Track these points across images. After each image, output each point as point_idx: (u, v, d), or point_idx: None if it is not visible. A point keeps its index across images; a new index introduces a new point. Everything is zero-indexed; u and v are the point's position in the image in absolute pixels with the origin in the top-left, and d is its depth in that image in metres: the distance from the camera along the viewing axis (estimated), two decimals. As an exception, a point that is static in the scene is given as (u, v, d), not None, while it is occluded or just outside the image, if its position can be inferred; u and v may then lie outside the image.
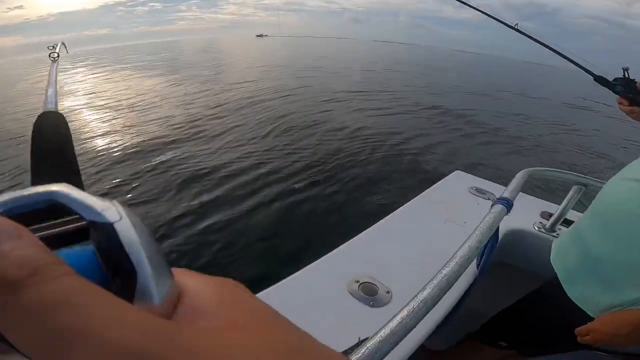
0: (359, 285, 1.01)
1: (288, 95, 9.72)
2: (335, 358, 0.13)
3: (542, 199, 1.60)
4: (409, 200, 1.51)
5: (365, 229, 1.29)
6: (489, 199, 1.55)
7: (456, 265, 0.62)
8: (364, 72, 18.13)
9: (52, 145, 0.28)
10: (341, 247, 1.19)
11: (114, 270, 0.12)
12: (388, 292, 1.00)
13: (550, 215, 1.40)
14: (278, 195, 4.06)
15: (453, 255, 0.65)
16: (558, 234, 1.34)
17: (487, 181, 1.73)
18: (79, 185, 0.22)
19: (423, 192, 1.59)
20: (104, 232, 0.12)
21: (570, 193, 1.25)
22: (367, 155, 5.38)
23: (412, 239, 1.26)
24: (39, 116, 0.30)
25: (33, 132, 0.29)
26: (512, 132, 7.74)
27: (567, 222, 1.37)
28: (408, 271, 1.10)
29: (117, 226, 0.12)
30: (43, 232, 0.13)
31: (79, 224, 0.13)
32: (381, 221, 1.35)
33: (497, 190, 1.63)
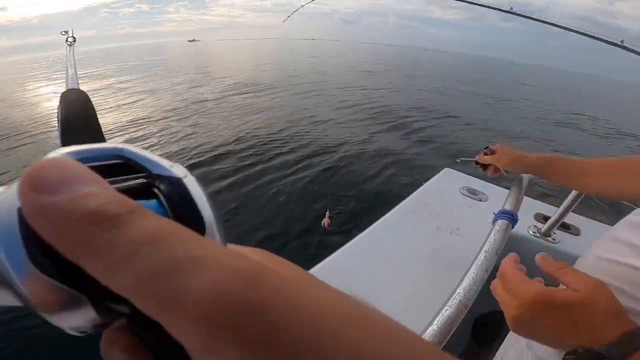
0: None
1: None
2: (400, 328, 0.12)
3: (531, 197, 1.50)
4: (398, 204, 1.42)
5: (351, 239, 1.20)
6: (481, 200, 1.49)
7: (460, 305, 0.51)
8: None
9: (80, 120, 0.29)
10: (325, 261, 1.10)
11: (181, 222, 0.12)
12: None
13: (545, 217, 1.33)
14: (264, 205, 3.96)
15: (454, 292, 0.53)
16: (554, 239, 1.27)
17: (477, 180, 1.65)
18: None
19: (412, 194, 1.50)
20: (172, 186, 0.13)
21: (570, 197, 1.16)
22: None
23: (402, 251, 1.17)
24: (63, 94, 0.32)
25: (59, 109, 0.30)
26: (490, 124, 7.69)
27: (564, 226, 1.31)
28: (399, 288, 1.01)
29: (185, 180, 0.13)
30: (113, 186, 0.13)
31: (142, 181, 0.13)
32: (368, 230, 1.26)
33: (489, 189, 1.57)
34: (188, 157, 5.27)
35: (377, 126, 7.44)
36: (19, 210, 0.10)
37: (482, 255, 0.61)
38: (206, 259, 0.10)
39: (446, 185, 1.61)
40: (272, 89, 11.80)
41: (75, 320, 0.11)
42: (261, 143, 5.88)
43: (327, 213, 3.34)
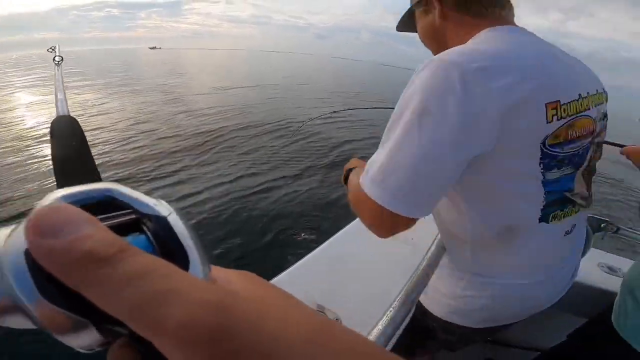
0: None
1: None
2: (359, 339, 0.14)
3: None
4: (355, 219, 1.45)
5: (308, 253, 1.22)
6: None
7: (402, 305, 0.56)
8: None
9: (71, 149, 0.29)
10: (285, 272, 1.12)
11: (166, 257, 0.14)
12: (337, 319, 0.94)
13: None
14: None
15: (399, 294, 0.58)
16: None
17: None
18: None
19: None
20: (158, 224, 0.15)
21: None
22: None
23: (360, 261, 1.21)
24: (54, 121, 0.32)
25: (51, 137, 0.30)
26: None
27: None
28: (357, 295, 1.05)
29: (170, 219, 0.15)
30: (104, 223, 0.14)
31: (131, 217, 0.15)
32: (326, 243, 1.29)
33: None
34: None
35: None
36: (26, 251, 0.12)
37: (425, 262, 0.68)
38: (182, 291, 0.12)
39: None
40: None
41: (82, 341, 0.13)
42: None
43: None
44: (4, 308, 0.13)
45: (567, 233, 0.68)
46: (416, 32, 0.78)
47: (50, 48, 0.57)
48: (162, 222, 0.15)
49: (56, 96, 0.40)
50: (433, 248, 0.77)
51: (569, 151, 0.59)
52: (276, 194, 4.61)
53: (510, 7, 0.67)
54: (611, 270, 1.32)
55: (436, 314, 0.84)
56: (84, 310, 0.12)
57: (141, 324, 0.11)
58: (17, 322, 0.13)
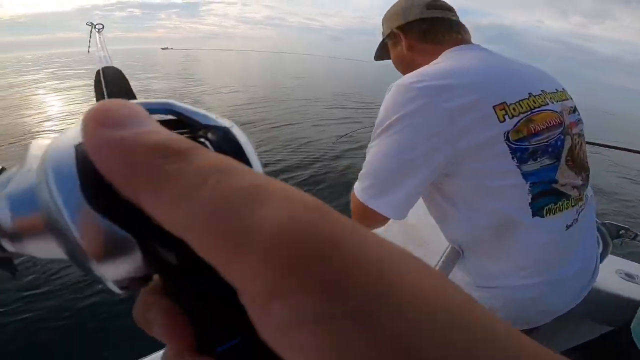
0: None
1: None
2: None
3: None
4: None
5: None
6: None
7: None
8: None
9: (122, 91, 0.30)
10: None
11: None
12: None
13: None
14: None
15: None
16: None
17: None
18: None
19: None
20: (221, 135, 0.14)
21: None
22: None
23: None
24: (101, 70, 0.32)
25: (101, 83, 0.31)
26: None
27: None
28: None
29: (233, 130, 0.14)
30: None
31: (191, 134, 0.14)
32: None
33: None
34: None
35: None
36: (77, 148, 0.11)
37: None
38: (272, 187, 0.09)
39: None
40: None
41: (118, 270, 0.11)
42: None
43: None
44: (32, 227, 0.11)
45: (568, 227, 0.70)
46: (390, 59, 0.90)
47: (90, 22, 0.65)
48: (224, 133, 0.13)
49: (100, 54, 0.42)
50: (448, 251, 0.78)
51: (537, 143, 0.64)
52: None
53: (465, 30, 0.78)
54: (629, 277, 1.29)
55: None
56: (131, 227, 0.10)
57: (214, 234, 0.09)
58: (44, 247, 0.11)
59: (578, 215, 0.72)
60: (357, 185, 0.69)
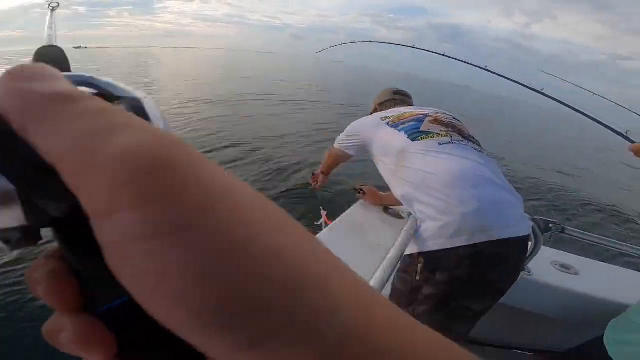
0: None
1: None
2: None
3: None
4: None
5: None
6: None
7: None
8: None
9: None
10: None
11: None
12: None
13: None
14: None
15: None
16: (530, 272, 1.37)
17: None
18: None
19: (337, 219, 1.45)
20: (132, 106, 0.14)
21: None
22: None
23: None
24: (39, 49, 0.30)
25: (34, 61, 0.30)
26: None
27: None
28: None
29: (145, 101, 0.14)
30: None
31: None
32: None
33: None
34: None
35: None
36: None
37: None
38: (135, 122, 0.11)
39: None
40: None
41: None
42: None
43: (325, 212, 2.65)
44: None
45: (440, 143, 1.08)
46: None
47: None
48: (135, 104, 0.14)
49: (46, 32, 0.41)
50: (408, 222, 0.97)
51: (404, 121, 1.19)
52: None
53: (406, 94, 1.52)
54: (564, 267, 1.44)
55: (420, 250, 1.04)
56: (14, 177, 0.11)
57: (74, 156, 0.10)
58: None
59: (452, 139, 1.10)
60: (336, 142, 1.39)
